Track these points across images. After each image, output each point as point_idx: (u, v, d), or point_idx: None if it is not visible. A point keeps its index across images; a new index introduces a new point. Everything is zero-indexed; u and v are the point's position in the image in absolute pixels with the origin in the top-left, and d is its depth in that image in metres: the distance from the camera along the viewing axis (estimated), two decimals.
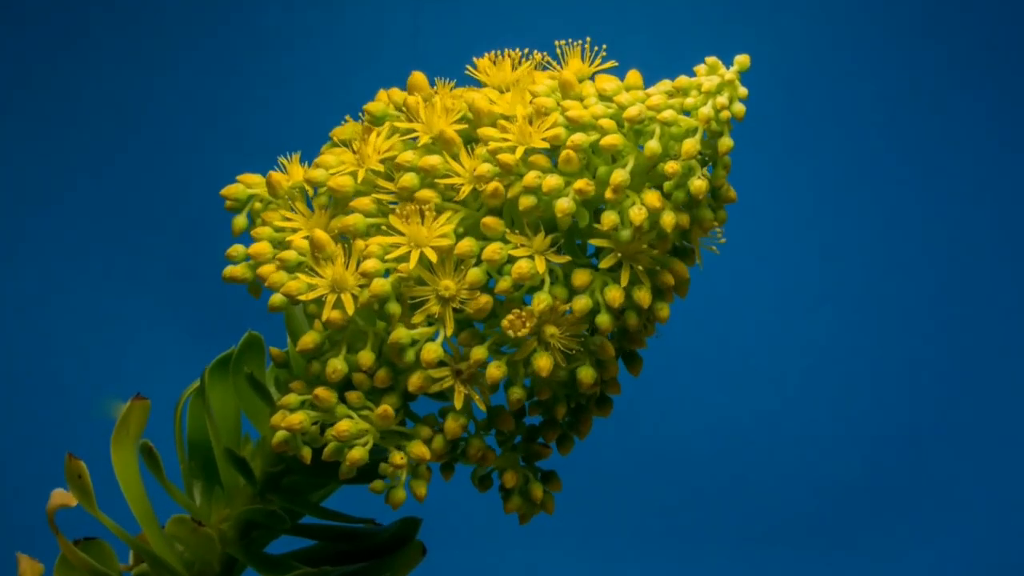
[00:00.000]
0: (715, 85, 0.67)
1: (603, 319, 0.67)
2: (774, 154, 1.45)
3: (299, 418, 0.68)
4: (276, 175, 0.72)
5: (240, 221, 0.74)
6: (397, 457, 0.68)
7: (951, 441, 1.47)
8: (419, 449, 0.69)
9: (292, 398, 0.69)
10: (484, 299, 0.67)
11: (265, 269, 0.69)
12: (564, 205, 0.66)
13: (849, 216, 1.50)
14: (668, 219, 0.66)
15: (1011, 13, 1.48)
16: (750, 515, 1.45)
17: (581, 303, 0.67)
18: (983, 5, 1.48)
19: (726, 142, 0.67)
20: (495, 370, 0.67)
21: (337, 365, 0.68)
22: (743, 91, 0.67)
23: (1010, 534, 1.45)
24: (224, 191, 0.74)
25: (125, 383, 1.38)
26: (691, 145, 0.66)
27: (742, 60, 0.68)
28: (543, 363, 0.67)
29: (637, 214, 0.66)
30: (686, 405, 1.45)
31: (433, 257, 0.67)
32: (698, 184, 0.66)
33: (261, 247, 0.70)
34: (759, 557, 1.44)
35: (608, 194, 0.66)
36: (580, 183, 0.66)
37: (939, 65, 1.49)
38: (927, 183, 1.50)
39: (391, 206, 0.69)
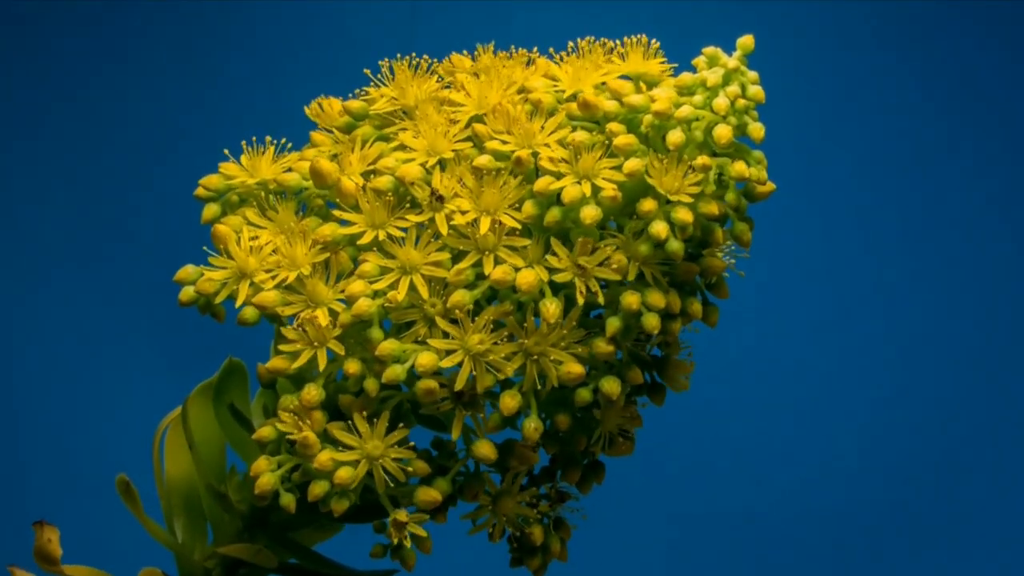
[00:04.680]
0: (720, 77, 0.62)
1: (649, 319, 0.63)
2: (791, 157, 1.40)
3: (273, 478, 0.64)
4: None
5: (213, 208, 0.69)
6: (402, 515, 0.64)
7: (983, 470, 1.42)
8: (426, 495, 0.64)
9: (268, 431, 0.65)
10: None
11: (246, 292, 0.65)
12: (592, 212, 0.61)
13: (868, 235, 1.46)
14: (711, 208, 0.62)
15: None
16: (766, 543, 1.41)
17: (630, 299, 0.62)
18: None
19: (757, 129, 0.63)
20: (509, 400, 0.63)
21: (312, 391, 0.63)
22: (753, 75, 0.63)
23: None
24: (203, 180, 0.70)
25: (99, 413, 1.34)
26: (724, 131, 0.61)
27: (744, 43, 0.63)
28: (574, 369, 0.62)
29: (684, 214, 0.61)
30: (700, 430, 1.41)
31: (423, 289, 0.62)
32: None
33: (223, 229, 0.66)
34: None
35: (643, 207, 0.61)
36: (609, 190, 0.61)
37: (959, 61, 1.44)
38: (954, 196, 1.45)
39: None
